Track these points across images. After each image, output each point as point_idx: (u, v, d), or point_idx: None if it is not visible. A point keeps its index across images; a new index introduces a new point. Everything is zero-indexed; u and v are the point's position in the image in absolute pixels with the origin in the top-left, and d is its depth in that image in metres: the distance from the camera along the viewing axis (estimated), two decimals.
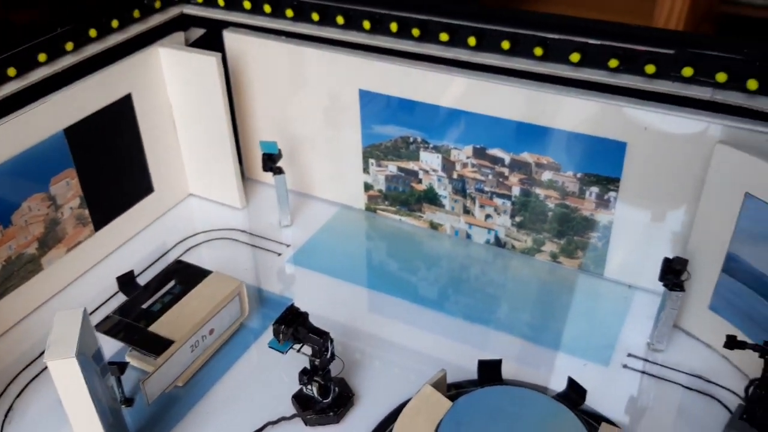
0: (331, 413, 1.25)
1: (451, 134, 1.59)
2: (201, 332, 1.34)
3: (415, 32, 1.47)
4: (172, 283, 1.42)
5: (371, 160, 1.73)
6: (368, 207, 1.80)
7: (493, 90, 1.48)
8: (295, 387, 1.29)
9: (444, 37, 1.45)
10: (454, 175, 1.64)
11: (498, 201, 1.62)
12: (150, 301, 1.39)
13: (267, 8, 1.61)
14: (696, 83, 1.29)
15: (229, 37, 1.72)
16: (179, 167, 1.83)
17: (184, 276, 1.44)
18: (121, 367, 1.20)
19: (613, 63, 1.32)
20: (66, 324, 0.99)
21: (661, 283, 1.33)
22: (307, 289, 1.59)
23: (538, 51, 1.37)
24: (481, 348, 1.42)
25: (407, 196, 1.73)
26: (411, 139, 1.65)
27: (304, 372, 1.23)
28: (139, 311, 1.36)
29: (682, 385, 1.33)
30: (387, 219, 1.79)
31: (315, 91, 1.69)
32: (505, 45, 1.39)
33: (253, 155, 1.86)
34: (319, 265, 1.65)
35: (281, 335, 1.19)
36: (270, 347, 1.24)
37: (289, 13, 1.59)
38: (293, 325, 1.19)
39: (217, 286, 1.41)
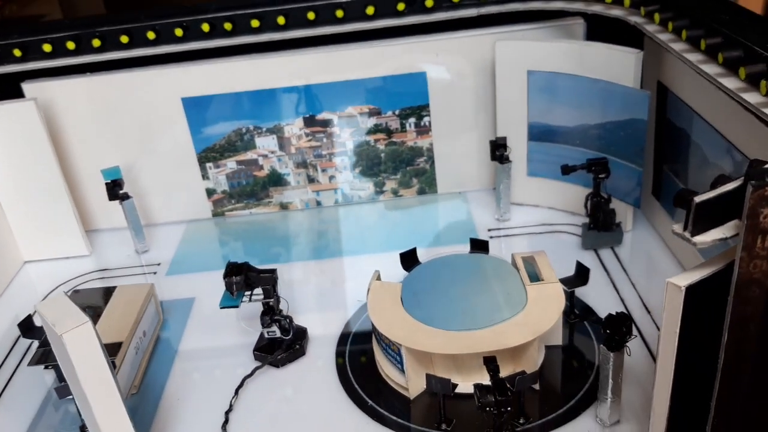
0: (297, 346, 1.34)
1: (280, 113, 1.78)
2: (138, 333, 1.33)
3: (228, 26, 1.64)
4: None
5: (208, 165, 1.83)
6: (216, 213, 1.89)
7: (306, 60, 1.71)
8: (246, 345, 1.36)
9: (255, 23, 1.64)
10: (292, 150, 1.82)
11: (337, 160, 1.84)
12: None
13: (70, 45, 1.64)
14: (462, 7, 1.66)
15: (30, 88, 1.70)
16: (7, 237, 1.73)
17: (90, 299, 1.41)
18: None
19: (401, 6, 1.64)
20: (55, 306, 0.97)
21: (474, 189, 1.68)
22: (201, 284, 1.63)
23: (339, 13, 1.64)
24: (377, 266, 1.61)
25: (252, 187, 1.86)
26: (243, 130, 1.79)
27: (264, 314, 1.31)
28: None
29: (537, 233, 1.68)
30: (237, 218, 1.89)
31: (136, 114, 1.75)
32: (311, 16, 1.64)
33: (84, 203, 1.83)
34: (198, 266, 1.70)
35: (235, 285, 1.27)
36: (223, 307, 1.30)
37: (96, 43, 1.64)
38: (242, 273, 1.27)
39: (130, 294, 1.41)
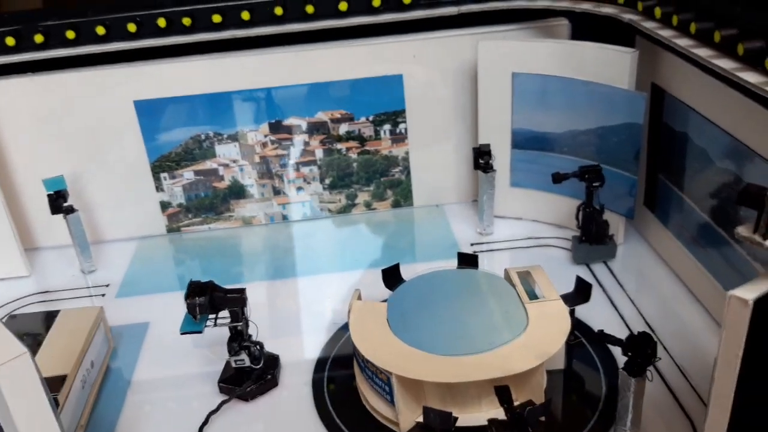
0: (269, 376, 1.19)
1: (243, 118, 1.63)
2: (84, 365, 1.16)
3: (186, 22, 1.49)
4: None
5: (163, 175, 1.66)
6: (171, 228, 1.72)
7: (273, 60, 1.57)
8: (209, 375, 1.21)
9: (217, 18, 1.49)
10: (256, 159, 1.67)
11: (305, 170, 1.69)
12: None
13: (10, 41, 1.47)
14: (442, 4, 1.55)
15: None
16: None
17: (28, 325, 1.23)
18: None
19: (376, 2, 1.52)
20: None
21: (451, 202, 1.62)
22: (156, 307, 1.46)
23: (310, 9, 1.51)
24: (352, 284, 1.47)
25: (211, 200, 1.70)
26: (202, 137, 1.64)
27: (232, 340, 1.15)
28: None
29: (523, 247, 1.56)
30: (194, 233, 1.72)
31: (83, 119, 1.57)
32: (278, 11, 1.50)
33: (22, 218, 1.64)
34: (152, 287, 1.53)
35: (198, 308, 1.11)
36: (184, 333, 1.14)
37: (39, 38, 1.47)
38: (206, 293, 1.12)
39: (75, 319, 1.24)
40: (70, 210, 1.52)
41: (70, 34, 1.48)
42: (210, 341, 1.30)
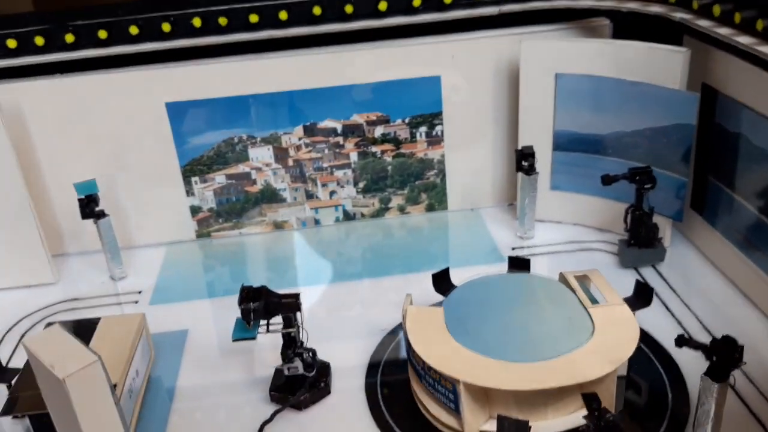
0: (322, 384, 1.14)
1: (277, 120, 1.59)
2: (131, 374, 1.11)
3: (223, 21, 1.45)
4: None
5: (194, 179, 1.62)
6: (200, 233, 1.67)
7: (309, 61, 1.54)
8: (254, 382, 1.17)
9: (254, 18, 1.46)
10: (290, 163, 1.63)
11: (339, 173, 1.65)
12: None
13: (39, 40, 1.42)
14: (482, 4, 1.52)
15: None
16: None
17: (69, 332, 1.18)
18: None
19: (417, 2, 1.48)
20: (48, 342, 0.76)
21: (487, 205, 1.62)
22: (192, 314, 1.42)
23: (349, 8, 1.47)
24: (391, 290, 1.44)
25: (243, 204, 1.66)
26: (235, 140, 1.60)
27: (286, 347, 1.11)
28: None
29: (567, 251, 1.53)
30: (225, 239, 1.68)
31: (112, 121, 1.53)
32: (317, 11, 1.46)
33: (49, 223, 1.59)
34: (187, 294, 1.49)
35: (253, 313, 1.06)
36: (236, 340, 1.10)
37: (69, 38, 1.43)
38: (261, 299, 1.07)
39: (118, 327, 1.19)
40: (102, 215, 1.47)
41: (102, 34, 1.44)
42: (254, 348, 1.25)
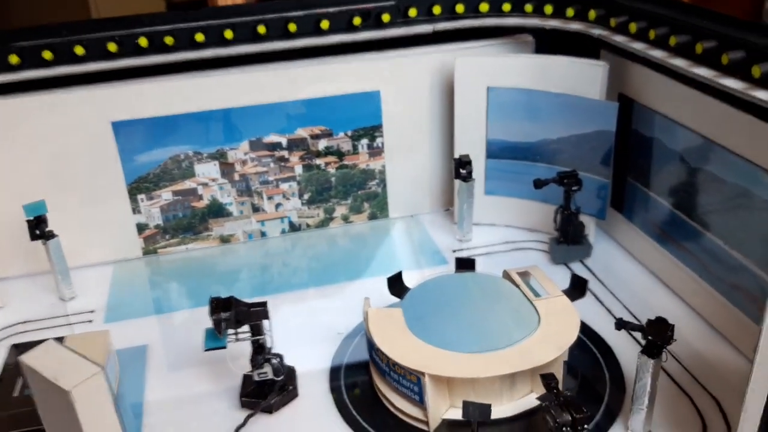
0: (290, 387, 1.20)
1: (223, 136, 1.63)
2: None
3: (168, 41, 1.49)
4: None
5: (140, 196, 1.64)
6: (147, 250, 1.69)
7: (254, 78, 1.59)
8: (221, 391, 1.22)
9: (199, 37, 1.50)
10: (236, 177, 1.67)
11: (284, 186, 1.71)
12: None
13: None
14: (417, 23, 1.62)
15: None
16: None
17: None
18: None
19: (357, 21, 1.57)
20: (47, 356, 0.78)
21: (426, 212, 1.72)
22: (148, 329, 1.44)
23: (292, 27, 1.54)
24: (341, 297, 1.51)
25: (189, 220, 1.69)
26: (182, 156, 1.63)
27: (256, 353, 1.16)
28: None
29: (503, 251, 1.64)
30: (172, 255, 1.70)
31: (57, 141, 1.53)
32: (261, 30, 1.52)
33: None
34: (140, 311, 1.50)
35: (223, 323, 1.11)
36: (208, 349, 1.14)
37: (14, 59, 1.43)
38: (231, 308, 1.12)
39: (85, 345, 1.19)
40: (51, 235, 1.47)
41: (47, 55, 1.44)
42: (215, 358, 1.29)
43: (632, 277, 1.53)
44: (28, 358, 0.79)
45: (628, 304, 1.43)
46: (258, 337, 1.16)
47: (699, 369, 1.23)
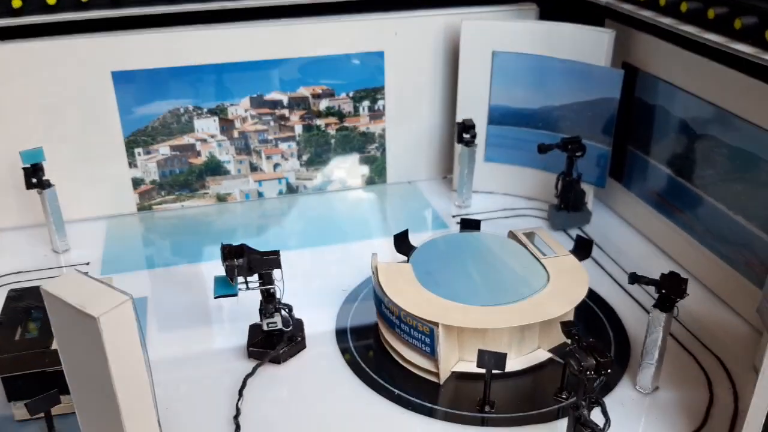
0: (299, 338, 1.19)
1: (224, 92, 1.60)
2: None
3: None
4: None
5: (137, 150, 1.60)
6: (142, 206, 1.66)
7: (257, 33, 1.57)
8: (227, 342, 1.21)
9: None
10: (235, 135, 1.65)
11: (284, 146, 1.69)
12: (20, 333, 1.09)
13: None
14: None
15: None
16: None
17: (37, 299, 1.16)
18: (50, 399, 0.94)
19: None
20: (70, 285, 0.76)
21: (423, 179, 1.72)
22: (148, 282, 1.42)
23: None
24: (344, 258, 1.50)
25: (186, 176, 1.66)
26: (181, 110, 1.60)
27: (267, 302, 1.15)
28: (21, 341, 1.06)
29: (503, 217, 1.65)
30: (167, 212, 1.67)
31: (56, 90, 1.49)
32: None
33: None
34: (134, 265, 1.48)
35: (236, 270, 1.10)
36: (218, 296, 1.13)
37: (16, 3, 1.38)
38: (243, 255, 1.11)
39: None
40: (47, 184, 1.44)
41: (50, 0, 1.40)
42: (216, 309, 1.28)
43: (631, 244, 1.55)
44: (51, 287, 0.77)
45: (628, 269, 1.45)
46: (269, 287, 1.15)
47: (701, 331, 1.25)
